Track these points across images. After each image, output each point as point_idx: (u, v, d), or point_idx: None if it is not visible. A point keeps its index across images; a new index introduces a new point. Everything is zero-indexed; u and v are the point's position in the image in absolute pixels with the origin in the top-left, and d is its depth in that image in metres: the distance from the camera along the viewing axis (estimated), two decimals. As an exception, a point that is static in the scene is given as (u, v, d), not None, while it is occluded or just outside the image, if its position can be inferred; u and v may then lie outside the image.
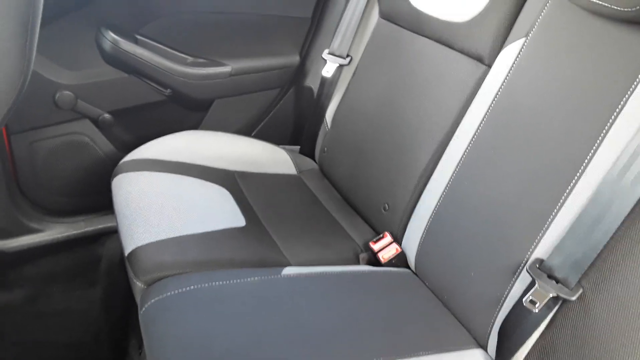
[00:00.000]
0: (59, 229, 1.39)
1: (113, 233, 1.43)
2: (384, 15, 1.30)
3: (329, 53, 1.39)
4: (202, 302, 0.83)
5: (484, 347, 0.89)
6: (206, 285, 0.86)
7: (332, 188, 1.37)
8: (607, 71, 0.78)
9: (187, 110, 1.45)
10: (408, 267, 1.11)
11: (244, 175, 1.29)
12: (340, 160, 1.35)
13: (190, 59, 1.36)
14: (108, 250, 1.44)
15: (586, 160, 0.78)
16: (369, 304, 0.93)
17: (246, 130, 1.53)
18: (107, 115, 1.35)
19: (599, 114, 0.77)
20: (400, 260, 1.11)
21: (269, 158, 1.40)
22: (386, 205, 1.17)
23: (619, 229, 0.73)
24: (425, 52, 1.15)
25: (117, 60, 1.30)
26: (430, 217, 1.03)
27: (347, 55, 1.37)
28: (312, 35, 1.48)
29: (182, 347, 0.75)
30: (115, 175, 1.15)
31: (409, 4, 1.19)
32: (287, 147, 1.52)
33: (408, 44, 1.20)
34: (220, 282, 0.86)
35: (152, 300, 0.83)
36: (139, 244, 0.94)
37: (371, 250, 1.13)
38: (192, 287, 0.85)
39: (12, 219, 1.30)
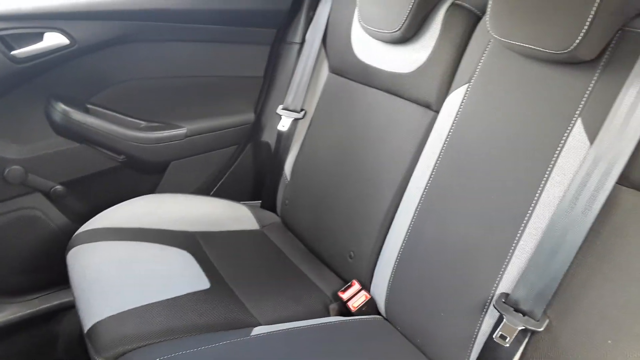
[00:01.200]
0: (11, 309, 1.32)
1: (70, 308, 1.37)
2: (333, 70, 1.35)
3: (283, 108, 1.42)
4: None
5: (462, 389, 0.89)
6: (172, 355, 0.82)
7: (296, 240, 1.36)
8: (548, 110, 0.83)
9: (143, 175, 1.43)
10: (379, 313, 1.10)
11: (205, 235, 1.27)
12: (302, 211, 1.35)
13: (143, 123, 1.36)
14: (66, 327, 1.36)
15: (537, 195, 0.82)
16: (341, 354, 0.91)
17: (205, 190, 1.52)
18: (59, 187, 1.32)
19: (544, 151, 0.82)
20: (370, 307, 1.10)
21: (230, 215, 1.39)
22: (352, 253, 1.17)
23: (576, 257, 0.76)
24: (376, 102, 1.19)
25: (68, 130, 1.28)
26: (396, 261, 1.03)
27: (301, 110, 1.41)
28: (265, 93, 1.51)
29: None
30: (70, 249, 1.11)
31: (356, 58, 1.25)
32: (248, 202, 1.51)
33: (359, 95, 1.24)
34: (187, 351, 0.83)
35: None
36: (99, 319, 0.90)
37: (340, 299, 1.12)
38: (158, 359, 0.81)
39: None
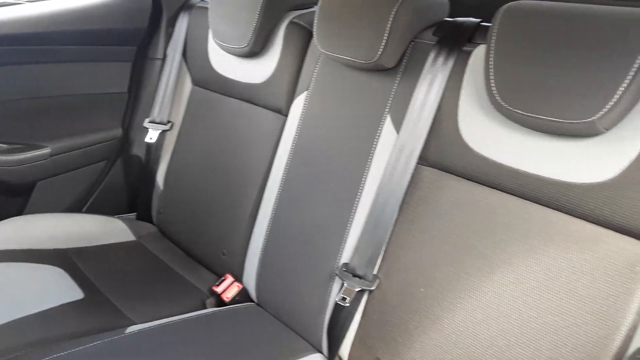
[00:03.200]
0: None
1: None
2: (195, 83, 1.45)
3: (150, 121, 1.48)
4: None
5: (321, 351, 1.03)
6: (47, 359, 0.86)
7: (173, 245, 1.43)
8: (365, 110, 1.00)
9: (9, 197, 1.41)
10: (252, 301, 1.21)
11: (79, 251, 1.29)
12: (176, 218, 1.42)
13: (5, 146, 1.35)
14: None
15: (363, 180, 0.99)
16: (215, 340, 1.01)
17: (77, 207, 1.53)
18: None
19: (365, 144, 0.99)
20: (243, 296, 1.21)
21: (103, 230, 1.42)
22: (224, 250, 1.27)
23: (394, 226, 0.94)
24: (235, 111, 1.31)
25: None
26: (262, 251, 1.16)
27: (168, 122, 1.48)
28: (131, 108, 1.56)
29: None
30: None
31: (215, 71, 1.36)
32: (123, 216, 1.55)
33: (220, 105, 1.35)
34: (62, 353, 0.88)
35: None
36: (-32, 335, 0.91)
37: (215, 293, 1.22)
38: (32, 364, 0.85)
39: None
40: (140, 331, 0.99)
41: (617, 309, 0.71)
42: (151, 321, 1.05)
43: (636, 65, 0.66)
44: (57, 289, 1.09)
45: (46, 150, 1.39)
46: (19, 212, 1.42)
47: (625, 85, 0.66)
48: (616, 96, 0.67)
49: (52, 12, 1.34)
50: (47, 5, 1.35)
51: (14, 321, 0.95)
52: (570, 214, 0.76)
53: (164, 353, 0.95)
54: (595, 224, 0.73)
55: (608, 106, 0.68)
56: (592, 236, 0.74)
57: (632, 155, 0.70)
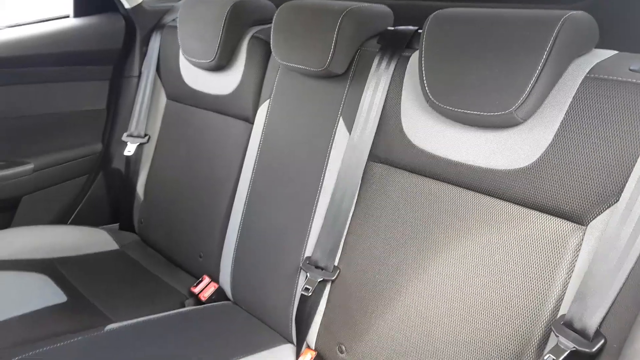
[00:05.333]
0: None
1: None
2: (170, 97, 1.53)
3: (128, 135, 1.56)
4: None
5: (291, 341, 1.10)
6: (28, 355, 0.93)
7: (155, 252, 1.50)
8: (321, 114, 1.09)
9: (-5, 212, 1.48)
10: (228, 299, 1.28)
11: (63, 260, 1.36)
12: (156, 226, 1.49)
13: (-13, 163, 1.42)
14: None
15: (321, 179, 1.07)
16: (191, 335, 1.08)
17: (62, 219, 1.60)
18: None
19: (322, 146, 1.07)
20: (219, 295, 1.28)
21: (87, 240, 1.49)
22: (201, 253, 1.35)
23: (352, 220, 1.01)
24: (207, 121, 1.39)
25: None
26: (234, 251, 1.23)
27: (145, 135, 1.56)
28: (110, 123, 1.64)
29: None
30: None
31: (187, 85, 1.44)
32: (106, 226, 1.61)
33: (193, 117, 1.43)
34: (43, 349, 0.95)
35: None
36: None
37: (193, 294, 1.29)
38: (16, 358, 0.91)
39: None
40: (118, 328, 1.06)
41: (545, 282, 0.78)
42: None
43: (542, 60, 0.74)
44: (41, 293, 1.16)
45: (29, 166, 1.46)
46: (6, 226, 1.48)
47: (534, 78, 0.75)
48: (528, 88, 0.75)
49: (31, 35, 1.43)
50: (26, 30, 1.44)
51: (-1, 323, 1.02)
52: (499, 198, 0.84)
53: (142, 347, 1.01)
54: (522, 205, 0.81)
55: (522, 98, 0.76)
56: (519, 217, 0.81)
57: (547, 142, 0.78)
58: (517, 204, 0.82)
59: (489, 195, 0.85)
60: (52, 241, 1.42)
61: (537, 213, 0.80)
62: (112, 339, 1.03)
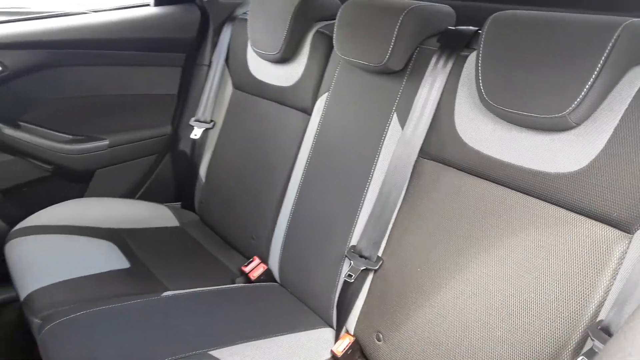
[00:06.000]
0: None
1: (8, 304, 1.52)
2: (236, 86, 1.61)
3: (195, 120, 1.66)
4: (91, 322, 1.01)
5: (331, 325, 1.14)
6: (92, 310, 1.03)
7: (211, 232, 1.59)
8: (376, 108, 1.12)
9: (71, 182, 1.62)
10: (276, 281, 1.34)
11: (129, 231, 1.47)
12: (214, 208, 1.58)
13: (69, 137, 1.56)
14: (4, 324, 1.51)
15: (372, 171, 1.10)
16: (237, 309, 1.15)
17: (130, 194, 1.72)
18: (-6, 195, 1.49)
19: (375, 139, 1.11)
20: (267, 276, 1.35)
21: (152, 215, 1.60)
22: (253, 235, 1.42)
23: (398, 213, 1.04)
24: (268, 110, 1.46)
25: (1, 145, 1.46)
26: (284, 236, 1.29)
27: (211, 121, 1.65)
28: (180, 108, 1.75)
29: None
30: (7, 242, 1.29)
31: (252, 75, 1.51)
32: (169, 204, 1.73)
33: (256, 106, 1.51)
34: (105, 307, 1.04)
35: (46, 328, 0.99)
36: (32, 289, 1.09)
37: (244, 273, 1.36)
38: (80, 313, 1.02)
39: None
40: (174, 295, 1.14)
41: (587, 287, 0.78)
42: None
43: (599, 66, 0.74)
44: (108, 258, 1.27)
45: (105, 142, 1.59)
46: (80, 196, 1.62)
47: (589, 83, 0.75)
48: (583, 93, 0.75)
49: (113, 20, 1.55)
50: (109, 15, 1.57)
51: (69, 280, 1.13)
52: (546, 201, 0.84)
53: (193, 314, 1.09)
54: (569, 209, 0.81)
55: (576, 102, 0.76)
56: (565, 221, 0.81)
57: (599, 148, 0.77)
58: (565, 207, 0.82)
59: (536, 197, 0.85)
60: (120, 213, 1.54)
61: (584, 218, 0.80)
62: (167, 304, 1.11)
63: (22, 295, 1.10)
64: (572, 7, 1.17)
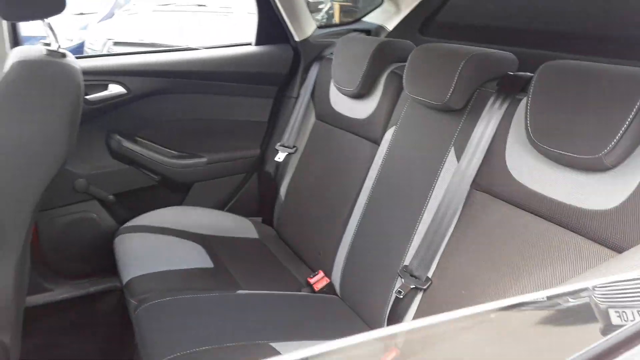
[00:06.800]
0: (66, 288, 1.74)
1: (113, 292, 1.78)
2: (318, 117, 1.79)
3: (280, 145, 1.86)
4: (176, 307, 1.20)
5: (381, 338, 1.24)
6: (179, 297, 1.22)
7: (285, 245, 1.76)
8: (436, 141, 1.23)
9: (173, 192, 1.88)
10: (337, 294, 1.47)
11: (216, 238, 1.68)
12: (289, 224, 1.76)
13: (175, 152, 1.82)
14: (108, 306, 1.78)
15: (427, 198, 1.21)
16: (300, 314, 1.29)
17: (220, 206, 1.95)
18: (111, 197, 1.77)
19: (432, 170, 1.22)
20: (330, 288, 1.48)
21: (237, 226, 1.80)
22: (320, 251, 1.56)
23: (449, 239, 1.14)
24: (344, 139, 1.62)
25: (120, 155, 1.75)
26: (347, 254, 1.42)
27: (294, 147, 1.84)
28: (269, 133, 1.97)
29: (165, 336, 1.11)
30: (117, 236, 1.55)
31: (333, 108, 1.69)
32: (252, 218, 1.93)
33: (334, 135, 1.67)
34: (189, 296, 1.23)
35: (140, 308, 1.20)
36: (133, 276, 1.32)
37: (309, 284, 1.50)
38: (169, 298, 1.22)
39: (31, 279, 1.65)
40: (246, 294, 1.31)
41: (618, 322, 0.83)
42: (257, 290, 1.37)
43: (633, 113, 0.81)
44: (195, 257, 1.48)
45: (203, 159, 1.84)
46: (179, 204, 1.87)
47: (624, 128, 0.81)
48: (617, 138, 0.82)
49: (220, 56, 1.82)
50: (217, 52, 1.84)
51: (162, 271, 1.34)
52: (583, 236, 0.90)
53: (261, 312, 1.25)
54: (603, 245, 0.87)
55: (611, 145, 0.83)
56: (599, 256, 0.87)
57: (631, 189, 0.83)
58: (599, 243, 0.87)
59: (574, 232, 0.91)
60: (210, 221, 1.76)
61: (616, 254, 0.85)
62: (240, 300, 1.28)
63: (124, 280, 1.33)
64: (625, 57, 1.22)
